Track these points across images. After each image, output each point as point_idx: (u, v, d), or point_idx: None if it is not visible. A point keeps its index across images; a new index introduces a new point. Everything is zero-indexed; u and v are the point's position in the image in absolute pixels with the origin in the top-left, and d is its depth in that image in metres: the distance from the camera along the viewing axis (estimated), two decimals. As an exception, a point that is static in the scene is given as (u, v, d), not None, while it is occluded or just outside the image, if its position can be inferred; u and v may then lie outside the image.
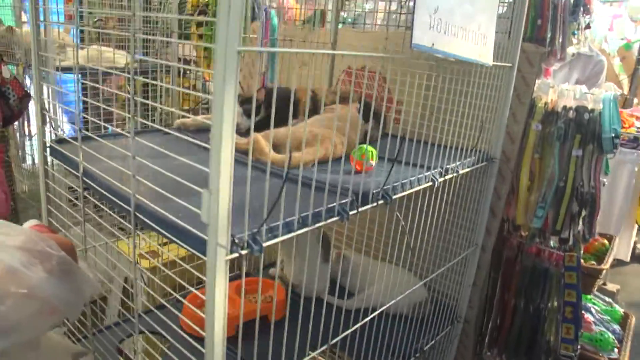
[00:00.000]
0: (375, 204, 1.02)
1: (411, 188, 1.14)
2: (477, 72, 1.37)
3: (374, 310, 1.32)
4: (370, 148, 1.19)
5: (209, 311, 0.76)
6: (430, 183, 1.20)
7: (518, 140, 1.58)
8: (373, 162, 1.20)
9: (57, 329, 1.25)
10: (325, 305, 1.18)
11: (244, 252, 0.77)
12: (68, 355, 1.08)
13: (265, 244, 0.80)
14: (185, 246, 0.79)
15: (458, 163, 1.33)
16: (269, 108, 1.58)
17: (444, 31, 0.97)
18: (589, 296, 2.21)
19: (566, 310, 1.66)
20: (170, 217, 0.81)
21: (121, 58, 2.67)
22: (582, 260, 1.83)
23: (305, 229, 0.87)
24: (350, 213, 0.95)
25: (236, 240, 0.75)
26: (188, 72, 3.08)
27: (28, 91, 2.11)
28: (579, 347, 1.72)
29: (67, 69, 2.28)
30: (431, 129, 1.35)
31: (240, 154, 0.80)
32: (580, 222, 1.58)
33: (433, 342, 1.57)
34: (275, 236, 0.83)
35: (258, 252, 0.79)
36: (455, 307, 1.69)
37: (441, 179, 1.24)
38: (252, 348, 0.91)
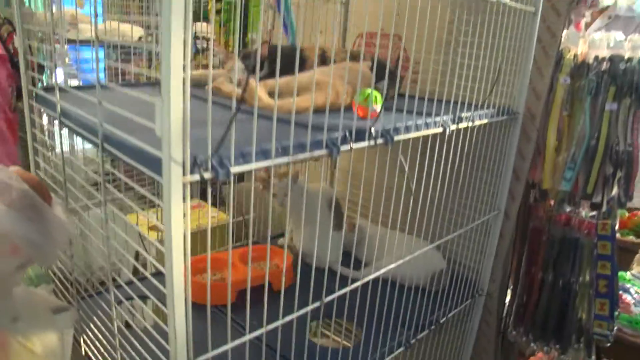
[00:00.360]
0: (372, 143, 0.91)
1: (417, 131, 1.03)
2: (498, 22, 1.24)
3: (387, 281, 1.22)
4: (375, 92, 1.09)
5: (166, 244, 0.67)
6: (440, 129, 1.09)
7: (544, 96, 1.44)
8: (377, 108, 1.09)
9: (45, 285, 1.19)
10: (338, 276, 1.10)
11: (207, 175, 0.68)
12: (47, 309, 1.02)
13: (234, 169, 0.71)
14: (148, 171, 0.71)
15: (474, 113, 1.21)
16: (273, 64, 1.50)
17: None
18: (627, 276, 2.03)
19: (599, 284, 1.51)
20: (131, 140, 0.73)
21: (137, 32, 2.65)
22: (619, 235, 1.67)
23: (285, 158, 0.78)
24: (342, 148, 0.85)
25: (198, 161, 0.66)
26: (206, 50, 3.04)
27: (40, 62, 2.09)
28: (615, 326, 1.56)
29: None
30: (446, 85, 1.22)
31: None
32: (615, 186, 1.43)
33: (450, 314, 1.45)
34: (248, 162, 0.74)
35: (224, 176, 0.70)
36: (477, 280, 1.56)
37: (453, 127, 1.12)
38: (255, 314, 0.84)
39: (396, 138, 0.96)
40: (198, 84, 1.32)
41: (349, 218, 1.80)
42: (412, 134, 1.01)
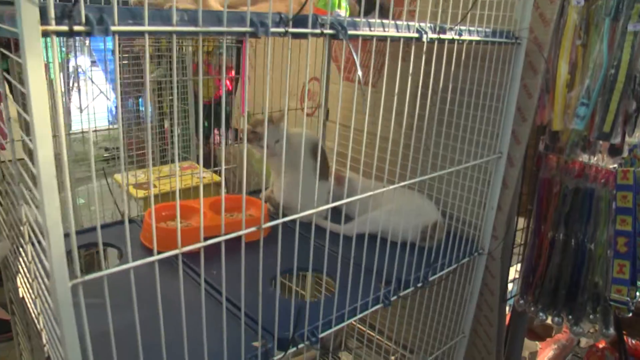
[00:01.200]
0: (318, 31, 0.75)
1: (384, 30, 0.86)
2: None
3: (375, 236, 1.06)
4: (340, -4, 0.93)
5: (30, 115, 0.53)
6: (415, 34, 0.91)
7: (553, 23, 1.24)
8: (342, 13, 0.93)
9: None
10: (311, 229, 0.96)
11: (78, 28, 0.53)
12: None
13: (116, 28, 0.56)
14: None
15: (463, 28, 1.03)
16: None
17: None
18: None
19: (619, 242, 1.30)
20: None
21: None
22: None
23: (191, 27, 0.62)
24: (274, 30, 0.69)
25: (68, 10, 0.52)
26: None
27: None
28: (637, 292, 1.35)
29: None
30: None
31: None
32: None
33: (442, 272, 1.27)
34: (139, 24, 0.59)
35: (102, 32, 0.55)
36: (477, 237, 1.38)
37: (433, 35, 0.95)
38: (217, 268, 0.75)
39: (353, 32, 0.80)
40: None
41: (337, 171, 1.64)
42: (377, 32, 0.84)
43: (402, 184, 1.05)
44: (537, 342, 2.09)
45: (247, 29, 0.67)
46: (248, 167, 2.14)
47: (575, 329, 1.41)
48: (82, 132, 1.97)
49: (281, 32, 0.70)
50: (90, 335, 0.64)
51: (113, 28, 0.56)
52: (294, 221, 0.85)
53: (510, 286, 1.58)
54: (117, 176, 2.09)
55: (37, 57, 0.51)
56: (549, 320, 1.47)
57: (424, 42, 0.91)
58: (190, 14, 0.62)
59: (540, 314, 1.46)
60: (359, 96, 0.98)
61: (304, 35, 0.74)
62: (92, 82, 2.68)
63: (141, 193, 1.96)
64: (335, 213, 1.45)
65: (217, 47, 2.68)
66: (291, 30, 0.71)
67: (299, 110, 1.96)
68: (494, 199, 1.33)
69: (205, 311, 0.75)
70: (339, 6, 0.92)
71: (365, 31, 0.82)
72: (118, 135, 1.83)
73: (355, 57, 0.77)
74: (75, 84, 2.36)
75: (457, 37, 1.00)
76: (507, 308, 1.62)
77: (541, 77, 1.26)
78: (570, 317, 1.42)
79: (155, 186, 2.00)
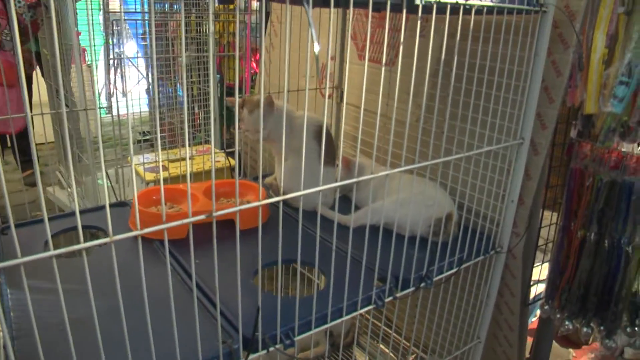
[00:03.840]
0: None
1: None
2: None
3: (379, 227, 0.95)
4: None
5: None
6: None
7: (590, -14, 1.07)
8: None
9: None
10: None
11: None
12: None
13: None
14: None
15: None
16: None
17: None
18: None
19: (661, 244, 1.13)
20: None
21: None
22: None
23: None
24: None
25: None
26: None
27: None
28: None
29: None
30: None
31: None
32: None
33: (451, 272, 1.14)
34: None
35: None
36: (495, 233, 1.23)
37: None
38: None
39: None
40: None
41: (346, 155, 1.52)
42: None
43: (407, 167, 0.93)
44: (570, 350, 1.90)
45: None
46: (256, 152, 2.06)
47: (608, 342, 1.24)
48: (113, 116, 1.93)
49: None
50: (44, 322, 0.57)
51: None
52: (295, 209, 0.75)
53: (539, 287, 1.42)
54: (130, 158, 2.05)
55: None
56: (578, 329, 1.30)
57: (417, 5, 0.78)
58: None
59: (567, 322, 1.29)
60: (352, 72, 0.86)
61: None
62: (135, 67, 2.67)
63: (150, 176, 1.91)
64: (346, 203, 1.34)
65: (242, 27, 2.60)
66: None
67: (318, 92, 1.84)
68: (515, 191, 1.18)
69: (178, 302, 0.67)
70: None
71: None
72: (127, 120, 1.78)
73: (310, 23, 0.64)
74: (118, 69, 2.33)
75: (462, 1, 0.85)
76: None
77: (573, 51, 1.09)
78: (601, 328, 1.25)
79: (166, 168, 1.95)
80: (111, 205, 1.36)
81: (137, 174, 1.96)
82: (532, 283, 1.38)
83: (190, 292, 0.94)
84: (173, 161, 1.91)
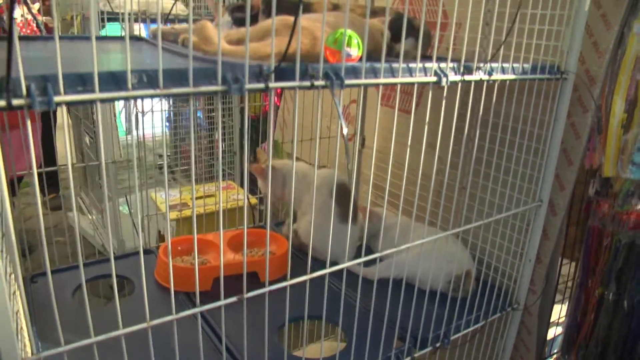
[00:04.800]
0: (307, 84, 0.66)
1: (391, 76, 0.75)
2: None
3: (400, 281, 0.97)
4: (350, 32, 0.83)
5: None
6: (433, 79, 0.80)
7: (609, 52, 1.08)
8: (354, 52, 0.83)
9: None
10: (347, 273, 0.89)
11: (18, 102, 0.48)
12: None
13: (61, 98, 0.50)
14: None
15: (497, 65, 0.91)
16: (267, 14, 1.27)
17: None
18: None
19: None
20: None
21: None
22: None
23: (149, 90, 0.55)
24: (250, 86, 0.61)
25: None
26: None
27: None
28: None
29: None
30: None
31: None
32: None
33: (469, 329, 1.15)
34: (90, 90, 0.52)
35: (44, 105, 0.49)
36: (512, 289, 1.23)
37: (456, 78, 0.83)
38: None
39: (352, 82, 0.70)
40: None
41: (371, 204, 1.53)
42: (382, 79, 0.74)
43: (429, 239, 0.96)
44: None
45: (219, 87, 0.59)
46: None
47: (625, 403, 1.23)
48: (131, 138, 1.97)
49: (261, 89, 0.61)
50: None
51: (57, 99, 0.50)
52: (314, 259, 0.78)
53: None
54: (153, 194, 2.09)
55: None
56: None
57: (443, 87, 0.80)
58: (150, 74, 0.55)
59: (584, 380, 1.29)
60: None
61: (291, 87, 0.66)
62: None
63: (173, 214, 1.94)
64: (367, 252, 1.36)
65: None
66: (273, 85, 0.63)
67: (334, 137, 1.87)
68: (533, 251, 1.19)
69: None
70: (350, 44, 0.83)
71: (369, 79, 0.72)
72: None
73: (337, 106, 0.67)
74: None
75: (485, 77, 0.87)
76: None
77: (592, 115, 1.11)
78: (620, 387, 1.25)
79: (188, 206, 1.98)
80: (136, 254, 1.39)
81: (158, 209, 1.99)
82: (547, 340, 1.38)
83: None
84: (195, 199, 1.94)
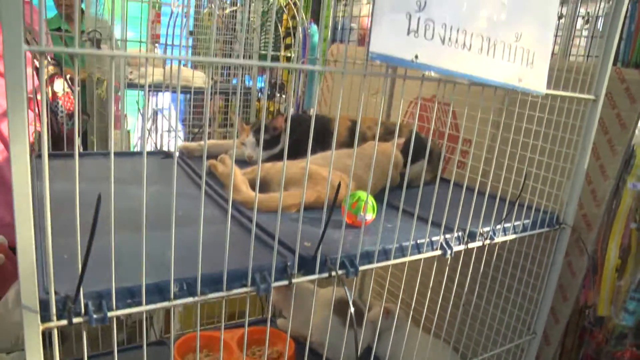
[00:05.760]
0: (326, 275, 0.73)
1: (402, 256, 0.83)
2: (547, 106, 1.03)
3: None
4: (369, 198, 0.90)
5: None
6: (438, 252, 0.87)
7: (605, 202, 1.16)
8: (369, 216, 0.90)
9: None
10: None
11: (60, 322, 0.54)
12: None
13: (115, 313, 0.57)
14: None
15: (498, 227, 0.98)
16: (293, 136, 1.35)
17: (440, 38, 0.67)
18: None
19: None
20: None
21: (199, 79, 2.64)
22: None
23: (188, 299, 0.62)
24: (276, 284, 0.68)
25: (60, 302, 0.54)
26: (277, 95, 3.00)
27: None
28: None
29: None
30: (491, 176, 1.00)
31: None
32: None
33: None
34: (138, 303, 0.59)
35: (100, 322, 0.56)
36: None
37: (460, 248, 0.90)
38: None
39: (365, 267, 0.77)
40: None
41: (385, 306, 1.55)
42: (391, 261, 0.81)
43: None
44: None
45: (248, 289, 0.66)
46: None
47: None
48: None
49: (285, 285, 0.68)
50: None
51: (110, 314, 0.57)
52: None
53: None
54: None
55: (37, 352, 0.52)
56: None
57: (447, 258, 0.87)
58: (190, 282, 0.62)
59: None
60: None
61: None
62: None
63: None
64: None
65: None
66: (296, 280, 0.70)
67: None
68: (526, 379, 1.24)
69: None
70: (370, 209, 0.90)
71: (381, 262, 0.79)
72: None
73: (348, 297, 0.74)
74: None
75: (488, 241, 0.94)
76: None
77: (588, 258, 1.17)
78: None
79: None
80: (149, 345, 1.43)
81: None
82: None
83: None
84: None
